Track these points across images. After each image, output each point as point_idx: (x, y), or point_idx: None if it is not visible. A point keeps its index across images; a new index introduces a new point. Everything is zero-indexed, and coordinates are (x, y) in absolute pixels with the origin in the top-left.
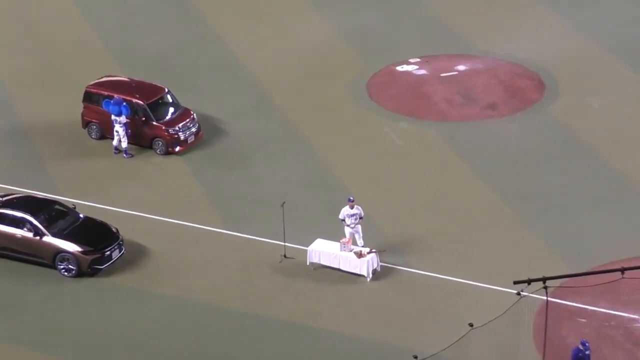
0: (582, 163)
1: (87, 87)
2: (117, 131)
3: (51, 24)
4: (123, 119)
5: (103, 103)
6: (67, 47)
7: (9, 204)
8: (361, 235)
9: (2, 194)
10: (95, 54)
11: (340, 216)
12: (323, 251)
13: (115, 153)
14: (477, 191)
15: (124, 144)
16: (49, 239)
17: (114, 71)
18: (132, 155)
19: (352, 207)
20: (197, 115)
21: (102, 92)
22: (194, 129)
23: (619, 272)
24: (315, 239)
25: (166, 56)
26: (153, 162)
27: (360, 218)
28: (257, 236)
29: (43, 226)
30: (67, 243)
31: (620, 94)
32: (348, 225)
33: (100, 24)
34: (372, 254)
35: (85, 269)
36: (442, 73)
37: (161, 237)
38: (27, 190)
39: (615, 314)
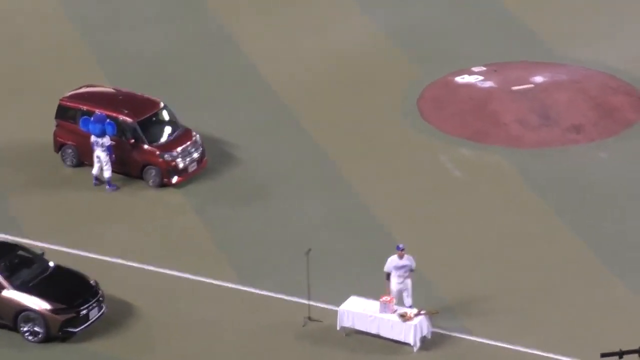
0: None
1: (61, 100)
2: (98, 156)
3: (19, 17)
4: (106, 140)
5: (80, 121)
6: (39, 47)
7: None
8: (410, 292)
9: None
10: (74, 56)
11: (386, 269)
12: (358, 312)
13: (95, 184)
14: (558, 237)
15: (107, 173)
16: (9, 293)
17: (96, 78)
18: (118, 188)
19: (401, 257)
20: (200, 136)
21: (81, 106)
22: (196, 155)
23: None
24: (349, 296)
25: (163, 61)
26: (144, 197)
27: (411, 271)
28: (275, 292)
29: (2, 277)
30: (33, 299)
31: None
32: (395, 281)
33: (82, 18)
34: (421, 317)
35: (56, 332)
36: (514, 86)
37: (153, 293)
38: None
39: None
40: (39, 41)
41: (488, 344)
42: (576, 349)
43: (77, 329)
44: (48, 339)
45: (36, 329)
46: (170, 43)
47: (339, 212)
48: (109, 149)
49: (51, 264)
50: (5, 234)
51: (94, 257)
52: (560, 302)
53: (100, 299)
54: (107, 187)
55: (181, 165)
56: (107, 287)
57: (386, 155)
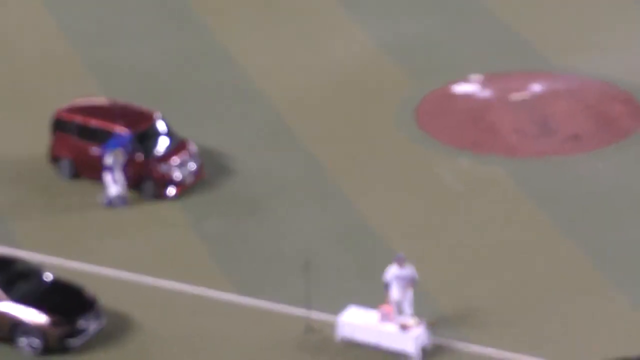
0: None
1: (57, 112)
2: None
3: (15, 31)
4: (107, 159)
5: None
6: (34, 61)
7: None
8: (411, 302)
9: None
10: (68, 70)
11: (387, 278)
12: (357, 323)
13: (120, 203)
14: (557, 248)
15: (111, 191)
16: (7, 305)
17: (91, 92)
18: (110, 205)
19: (401, 267)
20: (197, 148)
21: (77, 118)
22: (193, 167)
23: None
24: (348, 307)
25: (158, 75)
26: (141, 209)
27: (413, 281)
28: (273, 304)
29: (0, 290)
30: (31, 311)
31: None
32: (395, 291)
33: (77, 32)
34: (421, 327)
35: (54, 345)
36: (511, 95)
37: (151, 306)
38: None
39: None
40: (33, 55)
41: (487, 354)
42: (576, 359)
43: (76, 342)
44: (46, 351)
45: (34, 341)
46: (165, 57)
47: (337, 224)
48: (107, 169)
49: (49, 276)
50: (2, 246)
51: (91, 270)
52: (560, 312)
53: (99, 311)
54: (104, 200)
55: (178, 177)
56: (105, 300)
57: (383, 166)
